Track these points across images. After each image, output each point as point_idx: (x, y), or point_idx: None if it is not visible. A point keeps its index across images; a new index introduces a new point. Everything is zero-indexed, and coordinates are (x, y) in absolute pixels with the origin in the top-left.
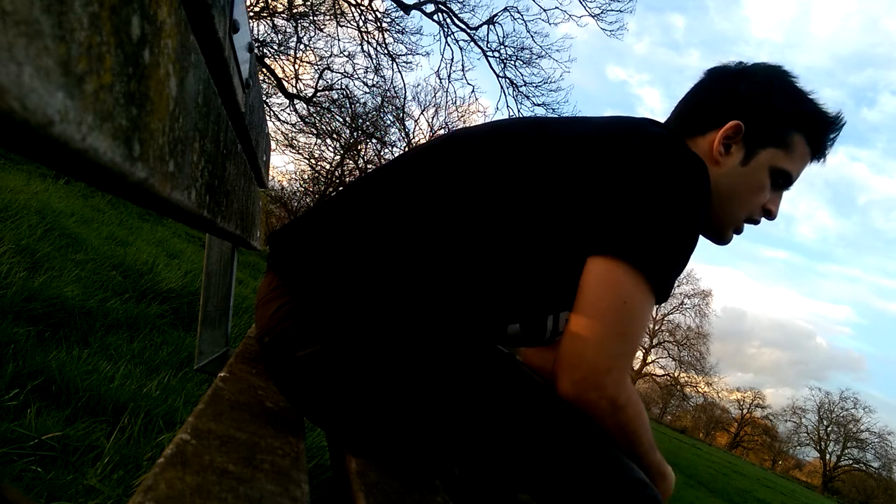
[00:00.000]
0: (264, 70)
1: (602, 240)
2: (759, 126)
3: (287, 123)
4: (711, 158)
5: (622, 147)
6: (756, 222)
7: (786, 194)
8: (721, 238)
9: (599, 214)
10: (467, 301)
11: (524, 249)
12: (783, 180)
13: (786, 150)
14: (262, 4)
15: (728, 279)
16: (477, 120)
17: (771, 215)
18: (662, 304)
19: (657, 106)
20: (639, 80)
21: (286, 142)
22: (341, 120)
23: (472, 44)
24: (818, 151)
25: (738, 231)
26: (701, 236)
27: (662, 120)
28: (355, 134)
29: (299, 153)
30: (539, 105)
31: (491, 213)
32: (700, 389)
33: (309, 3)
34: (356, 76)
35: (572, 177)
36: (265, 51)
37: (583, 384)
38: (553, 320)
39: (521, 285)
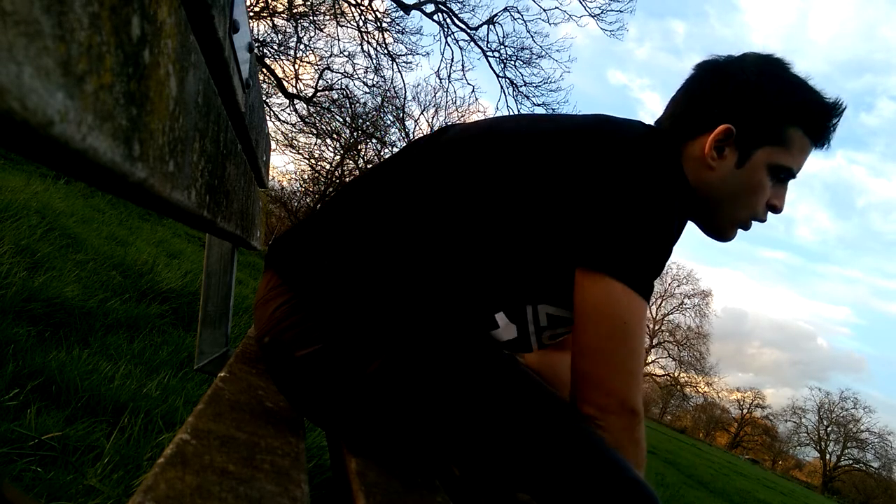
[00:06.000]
0: (264, 70)
1: (589, 253)
2: (751, 127)
3: (287, 123)
4: (705, 163)
5: (597, 147)
6: (763, 220)
7: (786, 197)
8: (724, 237)
9: (582, 221)
10: (466, 301)
11: (508, 244)
12: (784, 174)
13: (783, 147)
14: (262, 4)
15: (728, 280)
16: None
17: (777, 209)
18: (662, 305)
19: (658, 110)
20: (640, 84)
21: (286, 142)
22: (341, 120)
23: (472, 44)
24: (819, 139)
25: (746, 227)
26: (705, 235)
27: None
28: (355, 134)
29: (299, 153)
30: (539, 105)
31: (478, 208)
32: (700, 389)
33: (309, 3)
34: (356, 76)
35: (550, 176)
36: (265, 51)
37: (605, 405)
38: (532, 311)
39: (505, 277)
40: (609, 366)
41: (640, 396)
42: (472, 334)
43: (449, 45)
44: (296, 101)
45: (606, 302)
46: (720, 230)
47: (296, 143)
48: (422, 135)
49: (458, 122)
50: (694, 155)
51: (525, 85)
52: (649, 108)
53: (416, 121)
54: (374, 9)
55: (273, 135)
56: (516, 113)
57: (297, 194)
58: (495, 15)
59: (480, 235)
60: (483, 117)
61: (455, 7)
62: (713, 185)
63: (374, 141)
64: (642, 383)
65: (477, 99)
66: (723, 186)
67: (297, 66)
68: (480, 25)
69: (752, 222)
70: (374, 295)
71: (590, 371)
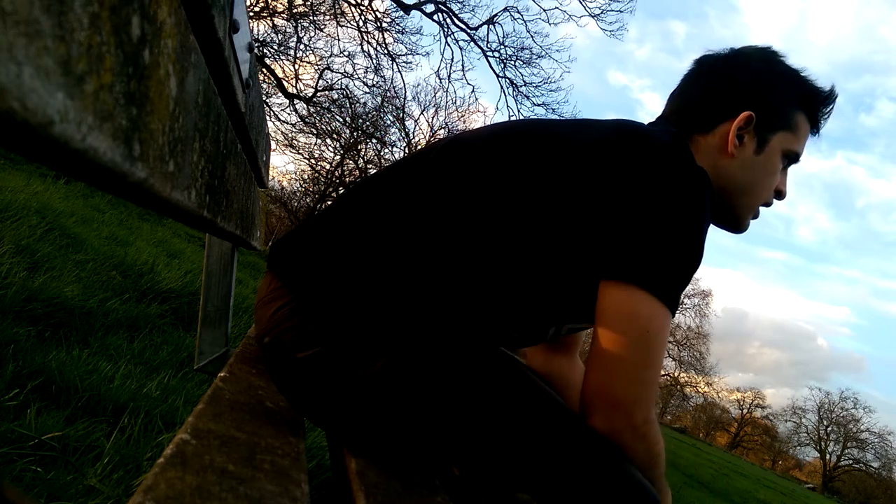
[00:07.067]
0: (264, 70)
1: (614, 263)
2: (767, 113)
3: (287, 123)
4: (726, 152)
5: (628, 158)
6: (769, 204)
7: (786, 198)
8: (742, 227)
9: (608, 233)
10: (467, 305)
11: (525, 257)
12: (791, 160)
13: (793, 132)
14: (262, 4)
15: (728, 280)
16: (477, 120)
17: (782, 195)
18: None
19: (658, 111)
20: (640, 84)
21: (286, 142)
22: (341, 120)
23: (472, 44)
24: (816, 125)
25: (757, 215)
26: (721, 230)
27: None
28: (355, 134)
29: (299, 153)
30: (539, 105)
31: (492, 219)
32: (700, 389)
33: (309, 3)
34: (356, 76)
35: (576, 186)
36: (265, 51)
37: (615, 416)
38: (555, 331)
39: (521, 292)
40: (620, 375)
41: (653, 411)
42: (474, 335)
43: (449, 45)
44: (296, 101)
45: (627, 309)
46: (739, 220)
47: (296, 143)
48: (426, 141)
49: (462, 126)
50: (708, 146)
51: (525, 85)
52: (649, 108)
53: (416, 121)
54: (374, 9)
55: (273, 135)
56: (531, 119)
57: (297, 194)
58: (495, 15)
59: (500, 251)
60: (483, 117)
61: (455, 7)
62: (733, 174)
63: (374, 141)
64: (656, 397)
65: (477, 99)
66: (742, 174)
67: (297, 66)
68: (480, 25)
69: (761, 209)
70: (377, 299)
71: (600, 380)
